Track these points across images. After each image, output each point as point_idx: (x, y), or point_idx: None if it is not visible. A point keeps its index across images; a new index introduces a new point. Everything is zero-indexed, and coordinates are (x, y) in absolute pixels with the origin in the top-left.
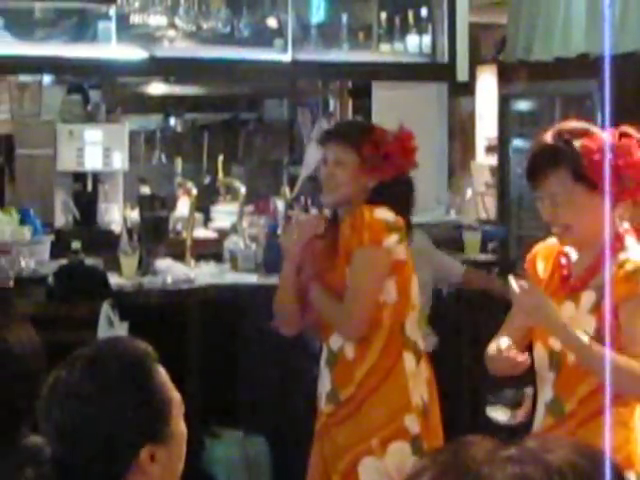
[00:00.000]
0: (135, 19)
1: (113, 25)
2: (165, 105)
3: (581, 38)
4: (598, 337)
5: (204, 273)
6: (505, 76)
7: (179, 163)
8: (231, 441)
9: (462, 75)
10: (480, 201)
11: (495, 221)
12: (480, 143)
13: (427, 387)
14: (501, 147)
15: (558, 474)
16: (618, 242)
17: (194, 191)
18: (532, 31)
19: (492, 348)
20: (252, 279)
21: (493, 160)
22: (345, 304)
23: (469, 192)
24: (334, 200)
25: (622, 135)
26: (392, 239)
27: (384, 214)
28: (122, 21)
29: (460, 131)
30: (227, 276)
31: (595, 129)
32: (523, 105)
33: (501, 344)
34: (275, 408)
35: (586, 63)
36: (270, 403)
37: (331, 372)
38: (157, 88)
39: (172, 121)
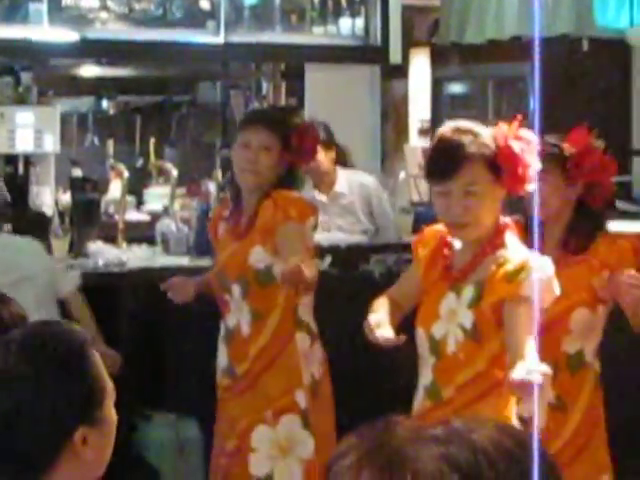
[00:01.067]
0: (67, 1)
1: (44, 6)
2: (97, 87)
3: (514, 21)
4: (475, 332)
5: (136, 256)
6: (438, 59)
7: (111, 146)
8: (163, 423)
9: (395, 58)
10: (413, 183)
11: (428, 203)
12: (413, 126)
13: (319, 366)
14: (434, 130)
15: (483, 453)
16: (498, 238)
17: (126, 174)
18: (465, 14)
19: (369, 320)
20: (184, 262)
21: (426, 142)
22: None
23: (402, 174)
24: (255, 184)
25: (519, 126)
26: (312, 222)
27: (298, 194)
28: (54, 2)
29: (393, 114)
30: (159, 259)
31: (474, 125)
32: (456, 88)
33: (371, 320)
34: (206, 391)
35: (518, 46)
36: (201, 386)
37: (227, 348)
38: (89, 70)
39: (104, 103)
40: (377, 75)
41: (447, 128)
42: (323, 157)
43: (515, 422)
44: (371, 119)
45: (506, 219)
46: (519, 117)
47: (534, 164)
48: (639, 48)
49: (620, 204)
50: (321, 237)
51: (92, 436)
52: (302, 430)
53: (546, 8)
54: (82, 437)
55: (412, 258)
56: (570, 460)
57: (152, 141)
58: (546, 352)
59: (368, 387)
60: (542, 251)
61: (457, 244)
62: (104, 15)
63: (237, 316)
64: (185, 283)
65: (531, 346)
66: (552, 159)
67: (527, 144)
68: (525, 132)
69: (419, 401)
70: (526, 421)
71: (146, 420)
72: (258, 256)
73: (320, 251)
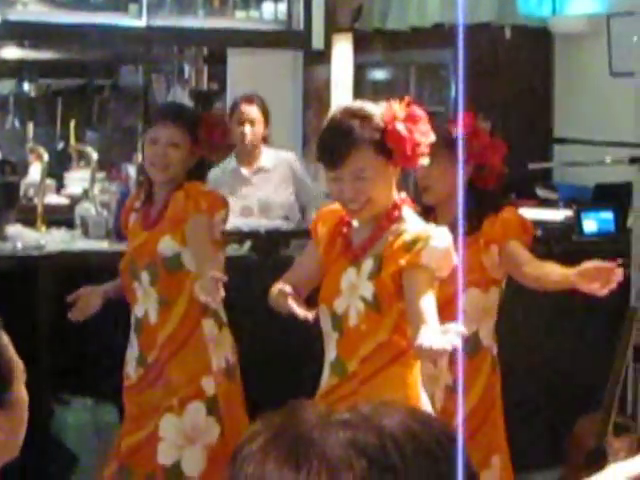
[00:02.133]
0: None
1: None
2: (19, 70)
3: (436, 8)
4: (376, 302)
5: (55, 239)
6: (361, 45)
7: (31, 128)
8: (81, 408)
9: (318, 43)
10: None
11: None
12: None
13: (232, 351)
14: None
15: (391, 438)
16: (396, 211)
17: (45, 157)
18: (388, 0)
19: (275, 289)
20: (103, 245)
21: None
22: (199, 265)
23: None
24: (165, 179)
25: (408, 105)
26: (222, 215)
27: (209, 188)
28: None
29: (315, 99)
30: (78, 242)
31: (366, 104)
32: (378, 74)
33: (286, 289)
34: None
35: (441, 33)
36: (120, 371)
37: (138, 337)
38: (10, 52)
39: (26, 86)
40: (299, 60)
41: (337, 110)
42: (252, 131)
43: (421, 390)
44: (293, 104)
45: (402, 194)
46: (407, 98)
47: (425, 139)
48: (561, 36)
49: (540, 192)
50: (241, 222)
51: (1, 419)
52: (207, 417)
53: None
54: None
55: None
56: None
57: (73, 124)
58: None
59: (285, 370)
60: None
61: (355, 222)
62: None
63: (145, 305)
64: (91, 293)
65: (432, 311)
66: (440, 141)
67: (415, 122)
68: (414, 109)
69: (325, 379)
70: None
71: (64, 405)
72: (167, 244)
73: (240, 236)
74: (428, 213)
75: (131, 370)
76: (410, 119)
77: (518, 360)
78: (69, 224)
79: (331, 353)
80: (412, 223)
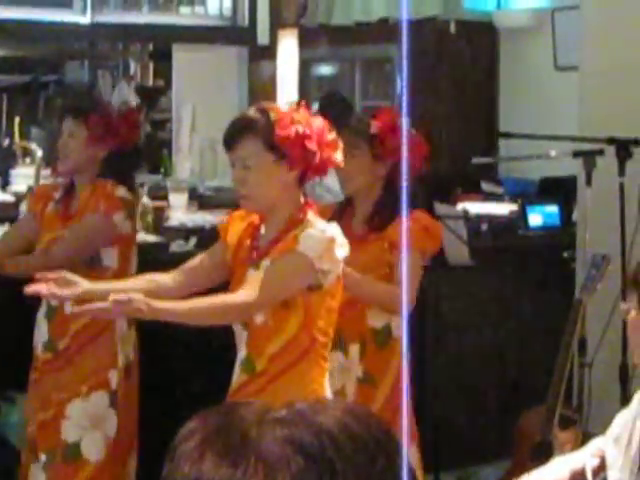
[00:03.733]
0: None
1: None
2: None
3: (381, 3)
4: None
5: None
6: (306, 40)
7: None
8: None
9: (263, 39)
10: None
11: None
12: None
13: (133, 349)
14: None
15: (328, 435)
16: (300, 214)
17: None
18: None
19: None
20: None
21: None
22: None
23: None
24: (67, 168)
25: (300, 107)
26: (121, 215)
27: (122, 192)
28: None
29: (261, 95)
30: None
31: (278, 105)
32: (324, 69)
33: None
34: None
35: (386, 28)
36: None
37: (49, 323)
38: None
39: None
40: (245, 56)
41: (255, 106)
42: None
43: (327, 386)
44: (239, 100)
45: (309, 201)
46: (302, 102)
47: (318, 149)
48: (506, 31)
49: (485, 186)
50: (186, 218)
51: None
52: (108, 408)
53: None
54: None
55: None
56: None
57: (17, 121)
58: (352, 327)
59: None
60: (349, 226)
61: (262, 228)
62: None
63: None
64: None
65: (252, 283)
66: (359, 136)
67: (309, 129)
68: (315, 118)
69: (236, 376)
70: None
71: (9, 402)
72: None
73: (185, 232)
74: (347, 204)
75: (38, 353)
76: (308, 126)
77: (465, 353)
78: (14, 221)
79: (241, 351)
80: (315, 225)
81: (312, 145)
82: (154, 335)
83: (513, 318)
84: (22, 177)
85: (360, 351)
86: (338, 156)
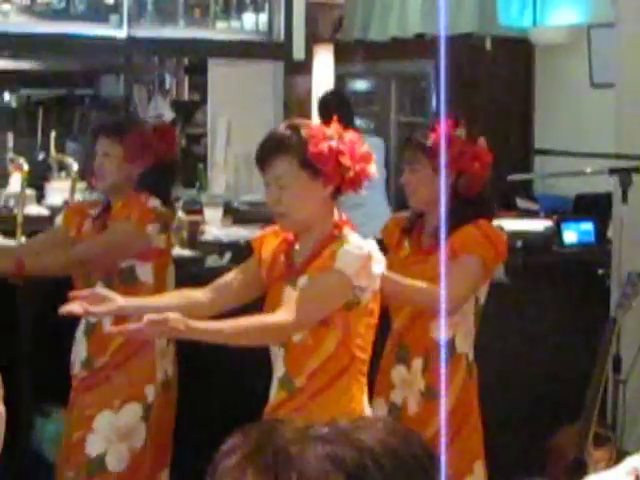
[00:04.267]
0: None
1: None
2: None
3: (417, 18)
4: None
5: None
6: (342, 56)
7: (11, 139)
8: (60, 419)
9: (298, 54)
10: None
11: None
12: (316, 122)
13: (172, 365)
14: None
15: (369, 453)
16: (336, 231)
17: (25, 167)
18: (369, 11)
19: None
20: None
21: None
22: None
23: None
24: (103, 188)
25: (345, 128)
26: (155, 227)
27: (156, 203)
28: None
29: (296, 110)
30: None
31: (311, 122)
32: (359, 85)
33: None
34: None
35: (422, 43)
36: None
37: (88, 340)
38: None
39: (7, 96)
40: (280, 71)
41: (283, 123)
42: None
43: (366, 404)
44: (274, 115)
45: (343, 216)
46: (335, 118)
47: (354, 163)
48: (542, 47)
49: (520, 202)
50: (221, 233)
51: None
52: (140, 421)
53: (450, 6)
54: None
55: (252, 255)
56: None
57: (53, 135)
58: (417, 340)
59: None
60: (419, 240)
61: (297, 245)
62: (6, 7)
63: None
64: None
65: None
66: (418, 149)
67: (342, 144)
68: (347, 132)
69: (274, 393)
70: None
71: (45, 416)
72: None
73: (220, 247)
74: (417, 217)
75: (76, 371)
76: (340, 141)
77: (499, 371)
78: None
79: (279, 369)
80: (350, 240)
81: (346, 160)
82: (192, 350)
83: (547, 335)
84: (57, 191)
85: (423, 365)
86: (372, 169)
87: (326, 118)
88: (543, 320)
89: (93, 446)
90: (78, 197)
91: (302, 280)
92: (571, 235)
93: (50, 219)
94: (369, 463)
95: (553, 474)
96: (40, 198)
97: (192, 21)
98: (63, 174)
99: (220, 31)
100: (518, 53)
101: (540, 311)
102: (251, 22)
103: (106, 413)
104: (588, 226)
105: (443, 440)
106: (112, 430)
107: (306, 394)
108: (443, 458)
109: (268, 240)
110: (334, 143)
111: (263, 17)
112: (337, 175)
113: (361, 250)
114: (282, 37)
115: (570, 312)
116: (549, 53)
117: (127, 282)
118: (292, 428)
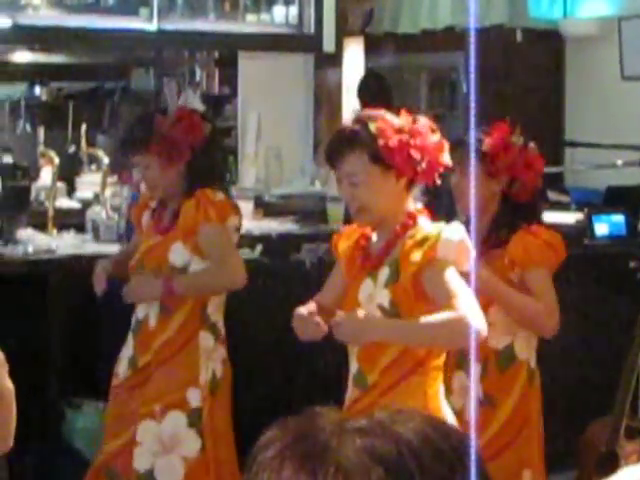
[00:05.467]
0: None
1: None
2: (30, 74)
3: (448, 11)
4: (394, 309)
5: (66, 243)
6: (372, 48)
7: (42, 132)
8: (91, 412)
9: (329, 46)
10: None
11: None
12: (346, 115)
13: (222, 365)
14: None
15: (407, 446)
16: (411, 220)
17: (56, 160)
18: (399, 3)
19: (300, 310)
20: (114, 249)
21: None
22: (216, 271)
23: None
24: (158, 196)
25: (415, 120)
26: (234, 222)
27: (220, 195)
28: None
29: (326, 103)
30: (89, 246)
31: (384, 114)
32: (389, 77)
33: (308, 307)
34: None
35: (452, 36)
36: None
37: (134, 339)
38: (22, 56)
39: (37, 90)
40: (310, 64)
41: (352, 116)
42: None
43: (442, 401)
44: (304, 108)
45: (418, 205)
46: (403, 110)
47: (424, 154)
48: (572, 39)
49: (552, 195)
50: (252, 225)
51: None
52: (187, 429)
53: None
54: None
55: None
56: (493, 455)
57: (84, 128)
58: (476, 347)
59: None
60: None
61: (374, 236)
62: (36, 1)
63: (147, 308)
64: (99, 276)
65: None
66: (471, 153)
67: (415, 136)
68: (420, 123)
69: (349, 391)
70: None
71: (75, 409)
72: (177, 252)
73: (251, 240)
74: (466, 222)
75: (121, 370)
76: (411, 133)
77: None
78: (80, 228)
79: (353, 366)
80: (426, 227)
81: (417, 152)
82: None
83: (578, 328)
84: (88, 184)
85: (481, 372)
86: (445, 157)
87: (366, 100)
88: (574, 312)
89: (140, 460)
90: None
91: (383, 271)
92: (602, 227)
93: (81, 212)
94: (407, 456)
95: (584, 467)
96: (71, 191)
97: (222, 14)
98: (94, 167)
99: (250, 24)
100: (548, 45)
101: (571, 303)
102: (281, 15)
103: (149, 423)
104: (619, 218)
105: (473, 435)
106: (157, 442)
107: (378, 391)
108: (474, 455)
109: (346, 236)
110: (405, 136)
111: (293, 10)
112: (409, 168)
113: (459, 234)
114: (312, 30)
115: (601, 304)
116: (579, 45)
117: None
118: (330, 420)
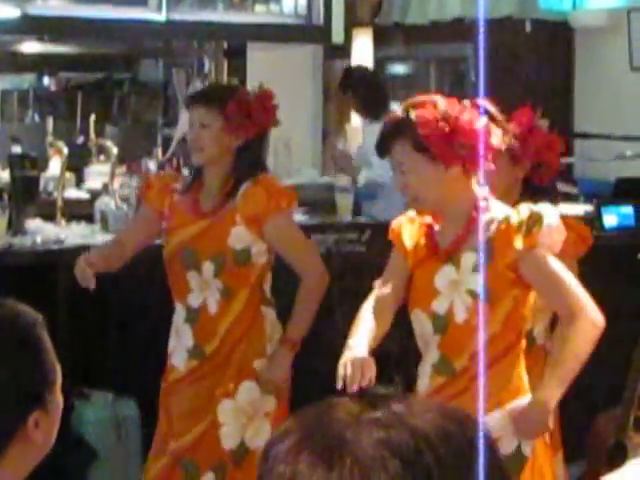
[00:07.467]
0: None
1: None
2: (39, 64)
3: (456, 2)
4: (488, 294)
5: (74, 234)
6: (380, 39)
7: (51, 123)
8: (101, 403)
9: (337, 37)
10: None
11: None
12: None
13: (280, 337)
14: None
15: (424, 438)
16: (483, 202)
17: (65, 151)
18: None
19: (345, 356)
20: None
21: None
22: (303, 264)
23: None
24: (201, 161)
25: (460, 104)
26: (294, 208)
27: (278, 181)
28: None
29: (335, 93)
30: (98, 237)
31: (436, 99)
32: (398, 68)
33: (355, 355)
34: (145, 370)
35: (461, 27)
36: (140, 365)
37: (192, 328)
38: (31, 47)
39: (45, 80)
40: (319, 54)
41: (404, 103)
42: None
43: (526, 383)
44: (313, 98)
45: (484, 189)
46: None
47: (467, 140)
48: (581, 30)
49: (561, 186)
50: None
51: (43, 419)
52: (262, 395)
53: None
54: (35, 421)
55: (393, 247)
56: None
57: (93, 118)
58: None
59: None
60: None
61: (437, 225)
62: None
63: (203, 295)
64: (86, 273)
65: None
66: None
67: (458, 123)
68: (462, 107)
69: (426, 380)
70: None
71: (84, 399)
72: (239, 237)
73: None
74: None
75: (180, 362)
76: (455, 119)
77: None
78: (89, 218)
79: (433, 356)
80: (506, 208)
81: (459, 138)
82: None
83: None
84: (97, 174)
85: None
86: (495, 140)
87: (357, 96)
88: None
89: (227, 440)
90: (158, 173)
91: (467, 258)
92: (611, 219)
93: (90, 202)
94: (424, 448)
95: (593, 458)
96: (79, 182)
97: (231, 4)
98: (102, 158)
99: (259, 14)
100: (558, 36)
101: None
102: (290, 5)
103: (226, 404)
104: (628, 210)
105: (480, 420)
106: (239, 416)
107: (468, 375)
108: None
109: (405, 227)
110: (445, 124)
111: (302, 0)
112: (453, 154)
113: (557, 220)
114: (321, 20)
115: (610, 296)
116: (589, 36)
117: (241, 263)
118: (346, 412)
